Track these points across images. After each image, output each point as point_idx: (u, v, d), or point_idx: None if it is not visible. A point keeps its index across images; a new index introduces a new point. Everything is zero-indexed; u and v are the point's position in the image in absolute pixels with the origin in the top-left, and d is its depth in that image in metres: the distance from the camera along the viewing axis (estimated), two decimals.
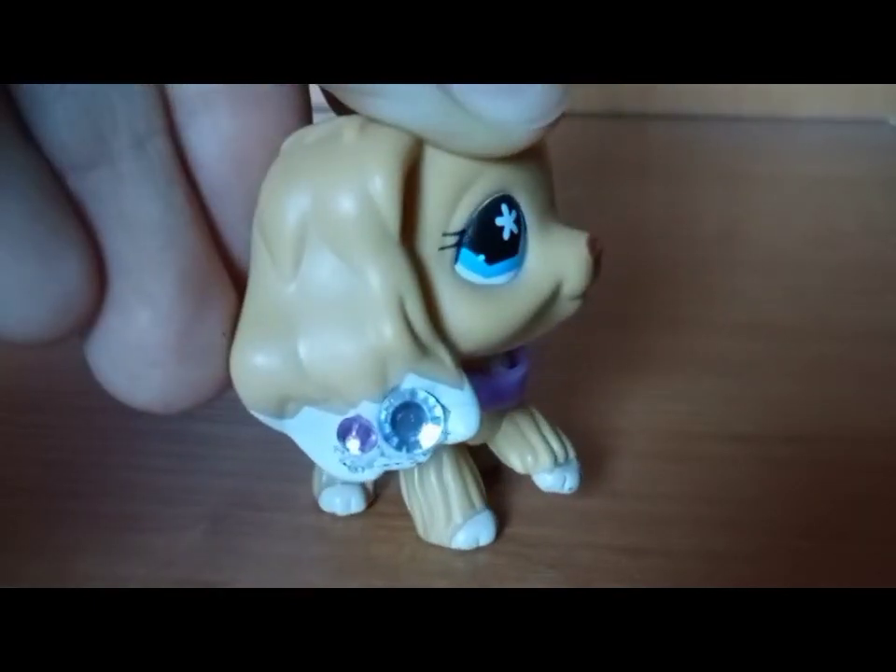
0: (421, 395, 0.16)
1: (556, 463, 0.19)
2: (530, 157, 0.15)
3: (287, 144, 0.15)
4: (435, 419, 0.16)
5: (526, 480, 0.19)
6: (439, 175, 0.15)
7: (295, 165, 0.15)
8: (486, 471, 0.20)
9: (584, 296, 0.17)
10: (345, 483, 0.20)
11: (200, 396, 0.16)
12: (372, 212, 0.14)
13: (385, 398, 0.15)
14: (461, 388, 0.16)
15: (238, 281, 0.16)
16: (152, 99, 0.15)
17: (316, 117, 0.16)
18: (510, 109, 0.14)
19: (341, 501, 0.20)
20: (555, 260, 0.16)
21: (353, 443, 0.16)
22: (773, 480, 0.21)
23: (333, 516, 0.20)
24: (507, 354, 0.18)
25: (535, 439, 0.19)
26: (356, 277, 0.15)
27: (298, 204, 0.15)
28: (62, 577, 0.18)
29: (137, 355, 0.15)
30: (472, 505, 0.19)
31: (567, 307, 0.17)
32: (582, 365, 0.27)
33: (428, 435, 0.16)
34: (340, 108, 0.15)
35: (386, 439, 0.16)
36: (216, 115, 0.15)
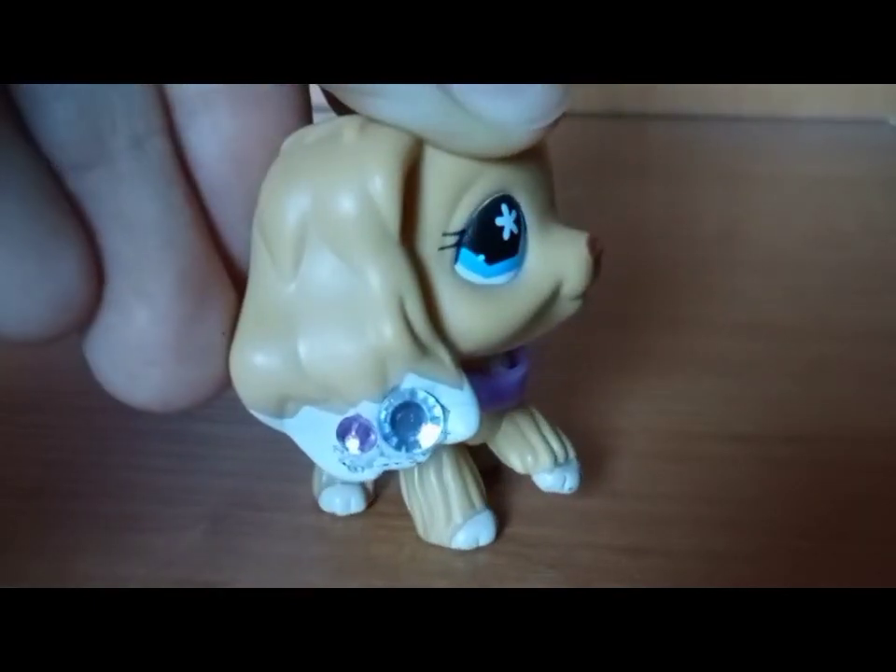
0: (421, 395, 0.16)
1: (556, 463, 0.19)
2: (530, 157, 0.15)
3: (287, 144, 0.15)
4: (434, 419, 0.16)
5: (526, 480, 0.19)
6: (439, 174, 0.15)
7: (295, 165, 0.15)
8: (486, 471, 0.20)
9: (584, 296, 0.17)
10: (345, 482, 0.20)
11: (199, 395, 0.16)
12: (372, 212, 0.14)
13: (384, 397, 0.15)
14: (461, 388, 0.16)
15: (238, 281, 0.16)
16: (151, 99, 0.15)
17: (316, 117, 0.16)
18: (510, 109, 0.14)
19: (341, 501, 0.20)
20: (555, 260, 0.16)
21: (352, 443, 0.16)
22: (773, 480, 0.21)
23: (333, 516, 0.20)
24: (507, 354, 0.18)
25: (535, 439, 0.19)
26: (355, 277, 0.15)
27: (298, 204, 0.15)
28: (62, 577, 0.18)
29: (136, 353, 0.15)
30: (472, 505, 0.19)
31: (567, 307, 0.17)
32: (582, 365, 0.27)
33: (428, 435, 0.16)
34: (340, 108, 0.15)
35: (386, 438, 0.16)
36: (216, 115, 0.15)
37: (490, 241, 0.15)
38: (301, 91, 0.16)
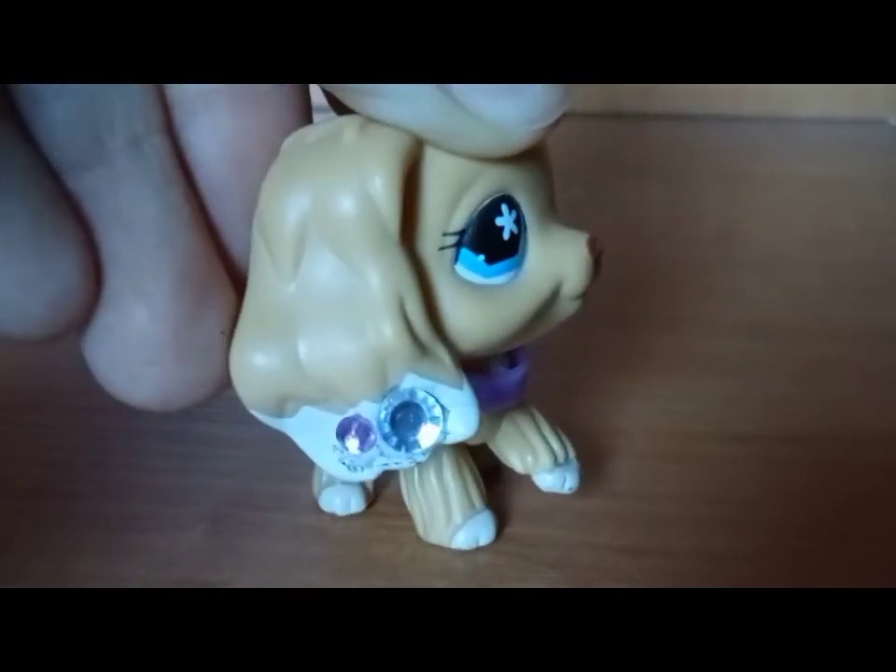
0: (420, 395, 0.16)
1: (556, 463, 0.19)
2: (530, 157, 0.15)
3: (287, 144, 0.15)
4: (434, 419, 0.16)
5: (526, 480, 0.19)
6: (439, 174, 0.15)
7: (295, 165, 0.15)
8: (486, 471, 0.20)
9: (584, 296, 0.17)
10: (345, 482, 0.20)
11: (198, 394, 0.16)
12: (372, 212, 0.14)
13: (384, 397, 0.15)
14: (460, 388, 0.16)
15: (238, 281, 0.16)
16: (151, 99, 0.15)
17: (316, 117, 0.16)
18: (510, 110, 0.14)
19: (341, 501, 0.20)
20: (555, 260, 0.16)
21: (352, 443, 0.16)
22: (773, 480, 0.21)
23: (333, 516, 0.20)
24: (507, 354, 0.18)
25: (535, 439, 0.19)
26: (355, 277, 0.15)
27: (298, 204, 0.15)
28: (62, 577, 0.18)
29: (135, 353, 0.15)
30: (472, 505, 0.19)
31: (567, 307, 0.17)
32: (582, 365, 0.27)
33: (427, 435, 0.16)
34: (340, 108, 0.15)
35: (385, 438, 0.16)
36: (215, 115, 0.15)
37: (490, 241, 0.15)
38: (300, 91, 0.16)
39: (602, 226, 0.18)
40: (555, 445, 0.19)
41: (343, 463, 0.16)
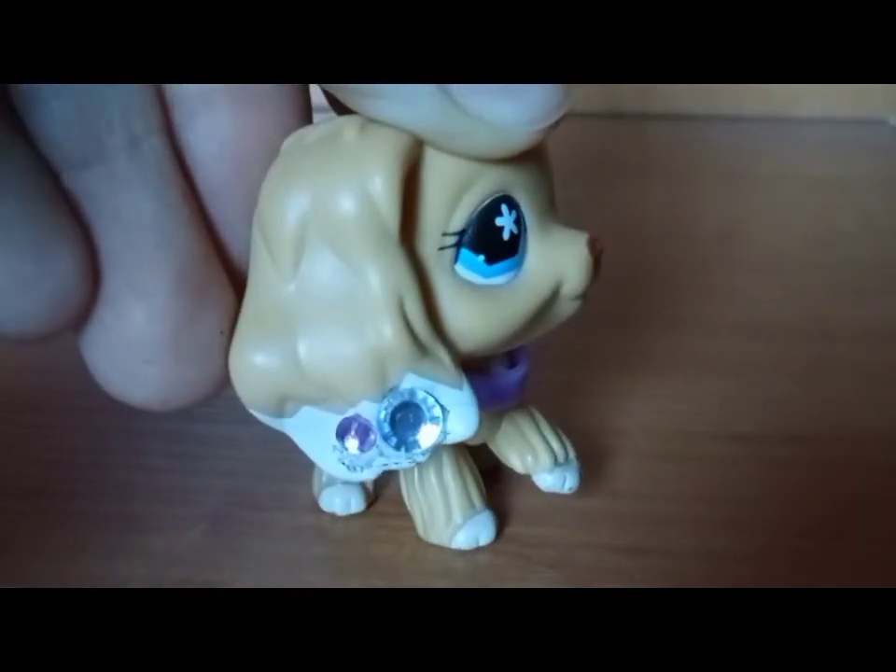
0: (420, 395, 0.16)
1: (556, 463, 0.19)
2: (530, 157, 0.15)
3: (287, 144, 0.15)
4: (434, 419, 0.16)
5: (526, 480, 0.19)
6: (439, 175, 0.15)
7: (295, 165, 0.15)
8: (486, 471, 0.20)
9: (584, 296, 0.17)
10: (345, 482, 0.20)
11: (197, 394, 0.16)
12: (372, 212, 0.14)
13: (384, 397, 0.15)
14: (460, 388, 0.16)
15: (237, 281, 0.16)
16: (149, 98, 0.15)
17: (316, 117, 0.16)
18: (510, 111, 0.14)
19: (341, 501, 0.20)
20: (555, 261, 0.16)
21: (352, 443, 0.16)
22: (773, 480, 0.21)
23: (333, 516, 0.20)
24: (507, 354, 0.18)
25: (535, 439, 0.19)
26: (355, 277, 0.15)
27: (298, 204, 0.15)
28: (62, 577, 0.18)
29: (133, 352, 0.15)
30: (472, 505, 0.19)
31: (566, 307, 0.17)
32: (582, 365, 0.27)
33: (427, 435, 0.16)
34: (340, 108, 0.15)
35: (385, 438, 0.16)
36: (215, 115, 0.15)
37: (490, 241, 0.15)
38: (301, 90, 0.16)
39: (602, 226, 0.18)
40: (555, 445, 0.19)
41: (343, 463, 0.16)
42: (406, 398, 0.15)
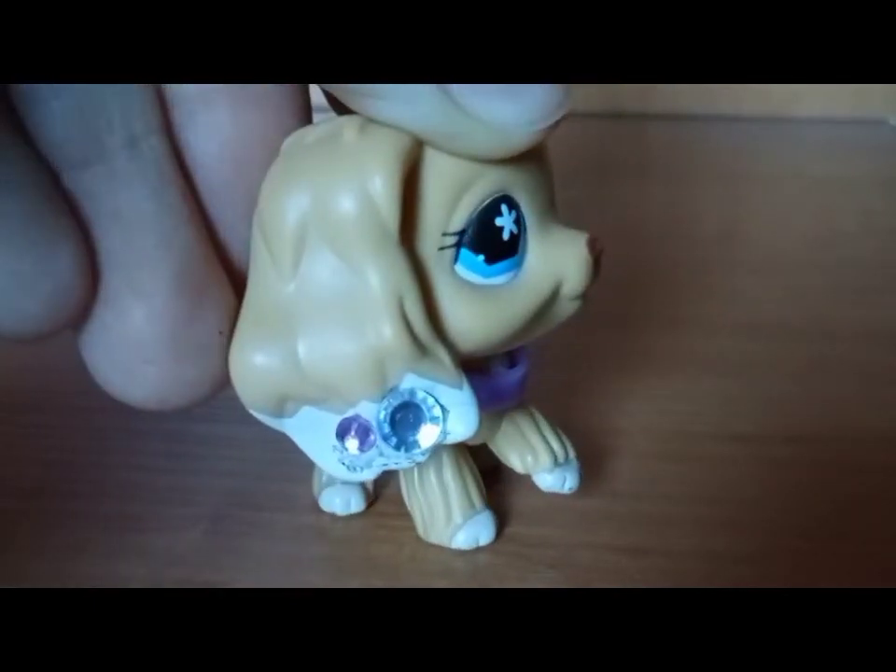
0: (420, 395, 0.16)
1: (556, 463, 0.19)
2: (530, 157, 0.15)
3: (287, 144, 0.15)
4: (434, 419, 0.16)
5: (526, 480, 0.19)
6: (439, 175, 0.15)
7: (295, 165, 0.15)
8: (486, 471, 0.20)
9: (584, 296, 0.17)
10: (345, 482, 0.20)
11: (196, 394, 0.16)
12: (372, 212, 0.14)
13: (383, 397, 0.15)
14: (460, 388, 0.16)
15: (237, 280, 0.16)
16: (149, 98, 0.15)
17: (316, 117, 0.16)
18: (510, 111, 0.14)
19: (341, 501, 0.20)
20: (555, 261, 0.16)
21: (351, 443, 0.16)
22: (773, 480, 0.21)
23: (333, 516, 0.20)
24: (507, 354, 0.18)
25: (535, 439, 0.19)
26: (355, 277, 0.15)
27: (298, 204, 0.15)
28: (62, 577, 0.18)
29: (132, 351, 0.15)
30: (472, 505, 0.19)
31: (566, 307, 0.17)
32: (582, 365, 0.27)
33: (427, 435, 0.16)
34: (340, 108, 0.15)
35: (385, 438, 0.16)
36: (215, 115, 0.15)
37: (490, 241, 0.15)
38: (301, 91, 0.16)
39: (602, 226, 0.18)
40: (555, 445, 0.19)
41: (343, 463, 0.16)
42: (406, 398, 0.15)
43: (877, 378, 0.26)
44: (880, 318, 0.30)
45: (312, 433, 0.16)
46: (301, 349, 0.15)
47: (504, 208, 0.15)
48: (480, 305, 0.16)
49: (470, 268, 0.16)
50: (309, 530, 0.20)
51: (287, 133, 0.16)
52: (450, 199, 0.15)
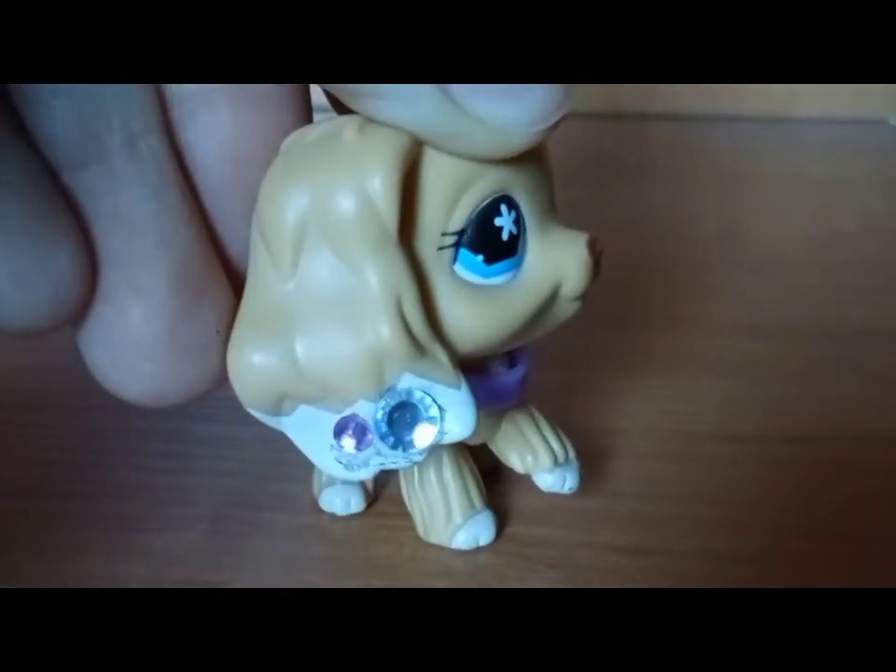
0: (417, 394, 0.16)
1: (556, 463, 0.19)
2: (530, 157, 0.15)
3: (287, 143, 0.15)
4: (431, 419, 0.16)
5: (526, 480, 0.19)
6: (438, 174, 0.15)
7: (295, 165, 0.15)
8: (486, 471, 0.20)
9: (584, 297, 0.17)
10: (345, 482, 0.20)
11: (193, 391, 0.16)
12: (371, 211, 0.14)
13: (381, 397, 0.15)
14: (458, 388, 0.16)
15: (235, 280, 0.16)
16: (148, 98, 0.15)
17: (316, 117, 0.16)
18: (510, 112, 0.14)
19: (341, 501, 0.20)
20: (555, 261, 0.16)
21: (349, 442, 0.16)
22: (773, 480, 0.21)
23: (333, 516, 0.20)
24: (506, 354, 0.18)
25: (535, 439, 0.19)
26: (354, 276, 0.15)
27: (297, 204, 0.15)
28: (62, 577, 0.18)
29: (130, 348, 0.15)
30: (472, 505, 0.19)
31: (566, 308, 0.17)
32: (582, 365, 0.27)
33: (424, 434, 0.16)
34: (340, 108, 0.15)
35: (382, 438, 0.16)
36: (215, 114, 0.15)
37: (489, 241, 0.15)
38: (301, 91, 0.16)
39: (602, 226, 0.18)
40: (555, 445, 0.19)
41: (340, 462, 0.16)
42: (403, 397, 0.15)
43: (877, 378, 0.26)
44: (880, 318, 0.30)
45: (309, 432, 0.16)
46: (300, 348, 0.15)
47: (504, 208, 0.15)
48: (479, 305, 0.16)
49: (470, 268, 0.16)
50: (309, 530, 0.20)
51: (286, 133, 0.16)
52: (449, 199, 0.15)
